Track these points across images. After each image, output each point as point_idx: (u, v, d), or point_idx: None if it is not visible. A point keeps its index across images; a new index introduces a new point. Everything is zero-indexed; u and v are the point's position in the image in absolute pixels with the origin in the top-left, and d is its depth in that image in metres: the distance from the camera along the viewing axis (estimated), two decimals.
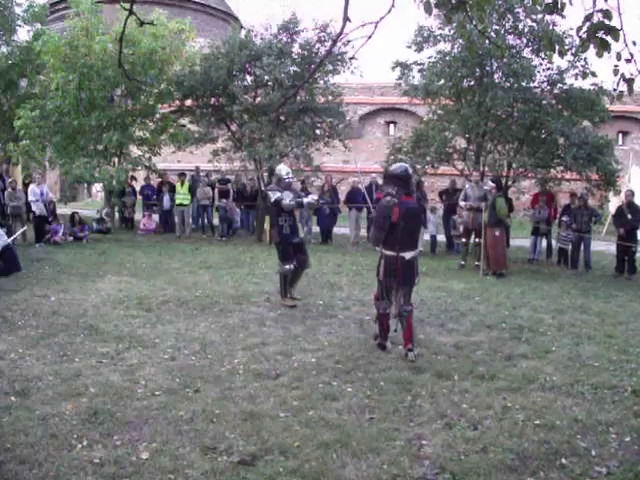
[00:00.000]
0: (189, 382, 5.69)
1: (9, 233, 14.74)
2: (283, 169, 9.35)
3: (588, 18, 3.94)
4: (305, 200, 9.21)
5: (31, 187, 16.38)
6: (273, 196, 8.93)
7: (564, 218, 14.50)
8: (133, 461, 4.16)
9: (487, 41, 12.82)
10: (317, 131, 17.99)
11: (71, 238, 16.04)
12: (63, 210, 19.90)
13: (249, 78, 17.74)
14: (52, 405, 5.07)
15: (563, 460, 4.28)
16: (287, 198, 8.94)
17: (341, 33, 4.34)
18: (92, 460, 4.15)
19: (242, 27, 20.75)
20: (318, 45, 17.20)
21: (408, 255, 6.64)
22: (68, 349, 6.62)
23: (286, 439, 4.50)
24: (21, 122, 17.08)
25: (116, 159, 18.52)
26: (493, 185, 12.73)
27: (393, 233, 6.60)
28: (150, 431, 4.62)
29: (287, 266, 8.93)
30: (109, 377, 5.78)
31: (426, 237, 16.20)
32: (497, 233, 12.43)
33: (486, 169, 15.55)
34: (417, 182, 16.38)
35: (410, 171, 6.91)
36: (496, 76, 15.07)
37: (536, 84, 14.90)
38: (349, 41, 13.16)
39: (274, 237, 9.24)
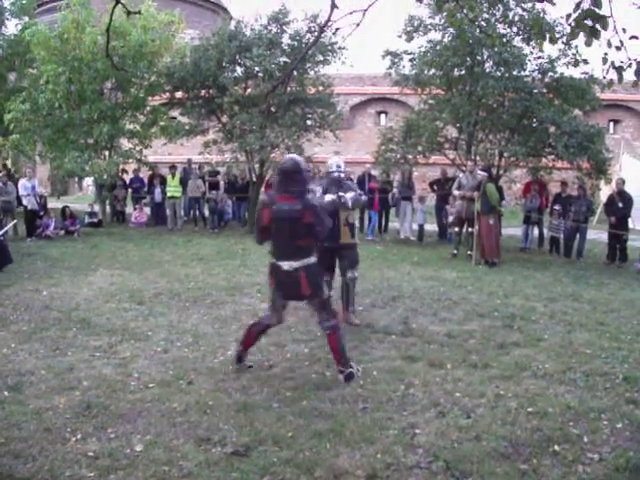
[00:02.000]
0: (182, 374, 5.69)
1: (0, 227, 14.71)
2: (331, 160, 8.02)
3: (578, 6, 3.93)
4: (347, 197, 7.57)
5: (22, 181, 16.29)
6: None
7: (555, 207, 14.55)
8: (127, 453, 4.17)
9: (478, 30, 12.81)
10: (308, 122, 17.95)
11: (62, 232, 15.99)
12: (54, 204, 19.83)
13: (239, 69, 17.67)
14: (45, 399, 5.06)
15: (556, 447, 4.30)
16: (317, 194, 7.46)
17: (329, 20, 4.34)
18: (86, 453, 4.15)
19: (232, 18, 20.67)
20: (308, 35, 17.14)
21: (286, 265, 5.58)
22: (61, 343, 6.61)
23: (280, 429, 4.50)
24: (11, 115, 16.99)
25: (107, 152, 18.45)
26: (485, 174, 12.74)
27: (272, 237, 5.73)
28: (144, 423, 4.62)
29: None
30: (102, 370, 5.78)
31: (414, 226, 16.27)
32: (491, 222, 12.45)
33: (478, 158, 15.56)
34: (405, 172, 16.47)
35: (301, 166, 5.66)
36: (487, 65, 15.07)
37: (527, 73, 14.90)
38: (337, 29, 13.07)
39: None
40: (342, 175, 7.82)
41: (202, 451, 4.21)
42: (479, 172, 13.04)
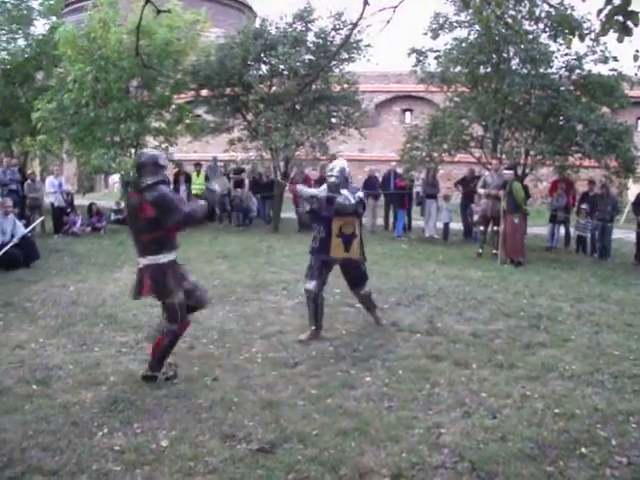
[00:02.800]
0: (208, 371, 5.72)
1: (28, 224, 14.90)
2: (331, 164, 7.56)
3: (609, 1, 3.87)
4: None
5: (49, 179, 16.50)
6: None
7: (583, 206, 14.39)
8: (153, 448, 4.20)
9: (504, 27, 12.71)
10: (333, 120, 17.96)
11: (89, 229, 16.15)
12: (81, 201, 20.01)
13: (264, 67, 17.72)
14: (73, 393, 5.13)
15: (583, 449, 4.24)
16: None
17: (361, 16, 4.34)
18: (113, 447, 4.19)
19: (256, 16, 20.73)
20: (333, 33, 17.14)
21: (140, 262, 5.41)
22: (88, 338, 6.68)
23: (305, 427, 4.51)
24: (39, 114, 17.17)
25: (133, 150, 18.59)
26: (511, 172, 12.63)
27: None
28: (170, 419, 4.65)
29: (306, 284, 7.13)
30: (128, 366, 5.83)
31: (439, 225, 16.20)
32: (516, 221, 12.35)
33: (503, 157, 15.44)
34: (429, 170, 16.41)
35: (149, 160, 5.44)
36: (513, 62, 14.93)
37: (554, 70, 14.75)
38: (368, 25, 13.05)
39: None
40: (337, 180, 6.90)
41: (227, 447, 4.23)
42: (505, 171, 12.94)
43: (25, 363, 5.87)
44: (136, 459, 4.05)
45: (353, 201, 6.84)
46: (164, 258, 5.36)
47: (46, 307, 8.01)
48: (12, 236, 10.73)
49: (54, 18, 20.98)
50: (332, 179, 6.96)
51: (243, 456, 4.10)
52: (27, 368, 5.73)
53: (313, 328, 6.90)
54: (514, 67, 14.83)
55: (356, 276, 7.24)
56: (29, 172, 17.58)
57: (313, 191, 7.25)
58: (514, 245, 12.35)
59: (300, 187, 7.49)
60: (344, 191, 6.86)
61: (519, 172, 15.41)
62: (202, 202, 5.63)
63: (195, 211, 5.48)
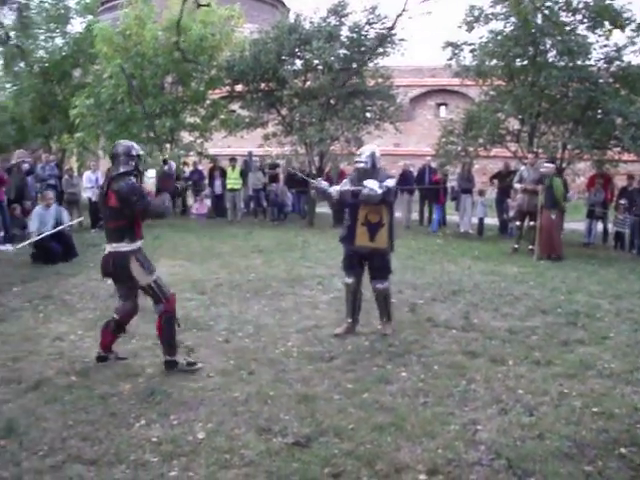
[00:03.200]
0: (243, 364, 5.75)
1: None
2: (360, 149, 7.46)
3: None
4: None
5: (86, 174, 16.74)
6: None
7: (621, 201, 14.15)
8: (190, 440, 4.23)
9: (541, 18, 12.55)
10: (367, 114, 17.91)
11: None
12: None
13: (299, 62, 17.75)
14: (111, 385, 5.20)
15: (622, 449, 4.17)
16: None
17: (404, 9, 4.32)
18: (150, 439, 4.24)
19: (289, 11, 20.77)
20: (367, 27, 17.09)
21: (106, 248, 5.61)
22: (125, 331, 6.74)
23: (341, 421, 4.51)
24: (77, 110, 17.40)
25: (168, 145, 18.75)
26: (552, 166, 12.47)
27: None
28: (206, 412, 4.69)
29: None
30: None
31: (474, 220, 16.07)
32: (553, 216, 12.20)
33: (540, 151, 15.25)
34: (465, 164, 16.28)
35: (119, 150, 5.57)
36: (550, 55, 14.75)
37: (592, 62, 14.52)
38: (409, 18, 13.02)
39: None
40: (366, 165, 6.70)
41: (263, 441, 4.24)
42: (545, 164, 12.78)
43: (64, 355, 5.97)
44: (173, 450, 4.09)
45: (379, 191, 6.47)
46: (126, 247, 5.50)
47: (84, 300, 8.13)
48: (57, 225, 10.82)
49: (90, 16, 21.24)
50: (360, 164, 6.75)
51: (279, 449, 4.11)
52: (66, 359, 5.83)
53: (350, 321, 6.89)
54: (551, 59, 14.65)
55: (378, 267, 6.86)
56: (67, 168, 17.83)
57: (333, 189, 6.86)
58: (550, 241, 12.19)
59: (318, 183, 7.13)
60: (369, 182, 6.53)
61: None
62: (164, 194, 5.72)
63: (157, 203, 5.63)
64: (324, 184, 7.01)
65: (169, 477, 3.77)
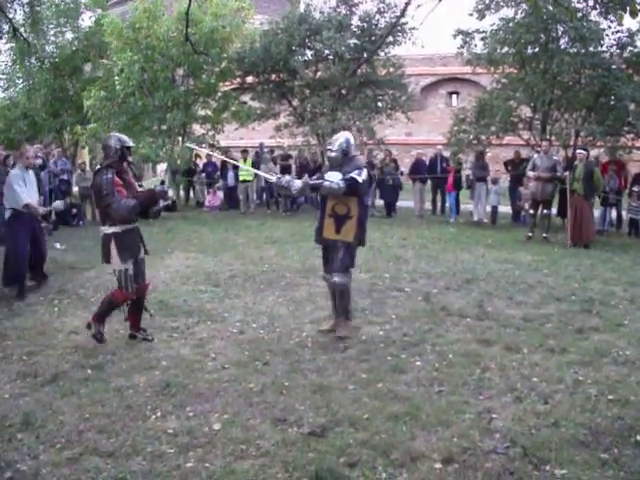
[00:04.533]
0: (258, 355, 5.77)
1: (79, 213, 15.25)
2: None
3: None
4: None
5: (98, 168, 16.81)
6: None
7: (635, 188, 14.03)
8: (206, 432, 4.26)
9: (552, 5, 12.44)
10: (379, 104, 17.88)
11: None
12: None
13: (309, 52, 17.72)
14: (126, 377, 5.23)
15: (638, 437, 4.15)
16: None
17: (409, 2, 4.29)
18: (166, 430, 4.27)
19: (299, 2, 20.73)
20: (377, 17, 17.03)
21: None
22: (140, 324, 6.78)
23: (355, 411, 4.52)
24: (90, 102, 17.45)
25: (180, 138, 18.79)
26: (585, 153, 12.44)
27: None
28: (221, 403, 4.72)
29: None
30: (180, 351, 5.92)
31: (487, 208, 16.01)
32: (590, 205, 12.32)
33: (553, 138, 15.14)
34: (479, 152, 16.20)
35: (104, 142, 6.10)
36: (562, 41, 14.65)
37: (604, 48, 14.41)
38: (419, 6, 12.99)
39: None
40: (336, 154, 6.35)
41: (279, 431, 4.27)
42: (579, 151, 12.73)
43: (80, 348, 6.00)
44: (189, 442, 4.12)
45: (342, 184, 6.12)
46: (107, 229, 5.96)
47: (99, 294, 8.14)
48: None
49: (100, 10, 21.29)
50: (332, 154, 6.41)
51: (294, 440, 4.13)
52: (82, 353, 5.87)
53: (335, 317, 6.61)
54: (563, 46, 14.55)
55: (336, 260, 6.36)
56: (79, 162, 17.94)
57: (295, 183, 6.39)
58: (588, 229, 12.20)
59: (278, 180, 6.59)
60: (331, 174, 6.32)
61: (569, 154, 15.13)
62: (134, 201, 5.94)
63: (122, 205, 5.84)
64: (285, 180, 6.50)
65: (185, 468, 3.80)
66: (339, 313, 6.52)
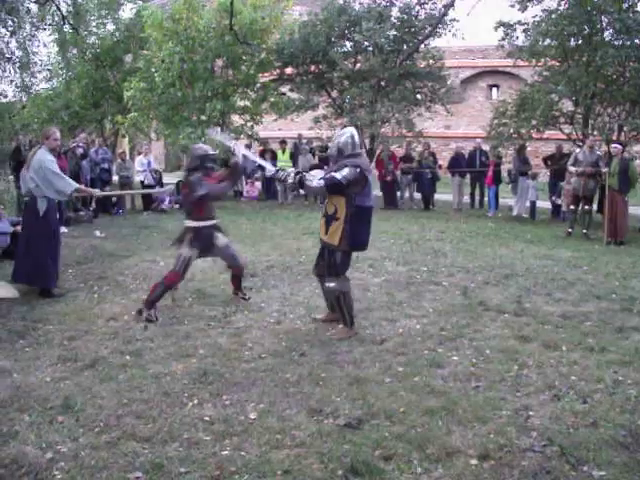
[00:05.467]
0: (295, 346, 5.78)
1: (119, 202, 15.45)
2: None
3: None
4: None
5: (138, 158, 17.02)
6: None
7: None
8: (242, 420, 4.29)
9: None
10: (418, 96, 17.77)
11: (177, 206, 16.53)
12: (169, 179, 20.52)
13: (348, 44, 17.66)
14: (164, 365, 5.28)
15: None
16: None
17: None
18: (202, 418, 4.31)
19: None
20: (417, 8, 16.91)
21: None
22: (177, 312, 6.86)
23: (392, 404, 4.51)
24: (131, 93, 17.65)
25: (219, 128, 18.88)
26: (620, 147, 12.23)
27: None
28: (258, 392, 4.74)
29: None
30: (217, 339, 5.96)
31: (527, 203, 15.84)
32: (626, 200, 12.15)
33: (595, 133, 14.89)
34: (520, 146, 16.00)
35: (192, 152, 7.18)
36: (606, 33, 14.39)
37: None
38: None
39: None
40: (331, 152, 6.34)
41: (314, 422, 4.28)
42: (613, 145, 12.52)
43: (119, 334, 6.08)
44: (225, 430, 4.15)
45: (321, 183, 5.95)
46: (190, 223, 6.86)
47: (137, 281, 8.27)
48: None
49: (140, 2, 21.50)
50: (330, 150, 6.46)
51: (330, 431, 4.13)
52: (121, 339, 5.95)
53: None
54: (607, 38, 14.30)
55: (326, 263, 6.25)
56: (119, 152, 18.16)
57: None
58: (622, 225, 12.02)
59: (275, 173, 6.56)
60: (314, 172, 6.39)
61: (611, 149, 14.86)
62: (223, 183, 6.99)
63: (216, 189, 6.88)
64: (282, 173, 6.33)
65: (221, 456, 3.82)
66: (337, 315, 6.32)
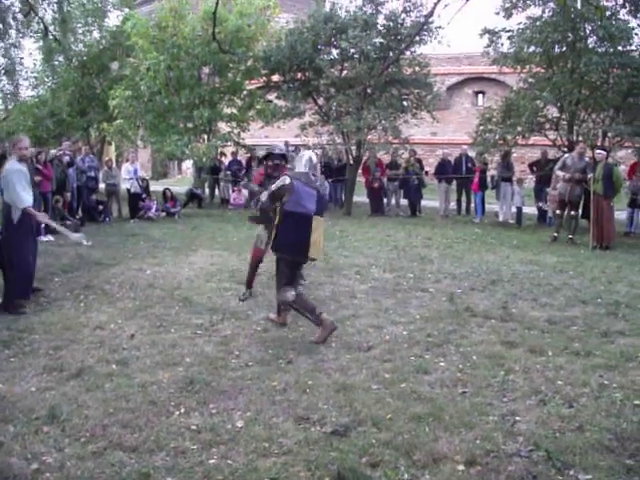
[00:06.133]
0: (282, 353, 5.77)
1: (105, 210, 15.40)
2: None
3: None
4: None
5: (125, 166, 16.99)
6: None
7: None
8: (229, 429, 4.27)
9: (580, 3, 12.34)
10: (404, 103, 17.83)
11: (164, 214, 16.51)
12: (155, 187, 20.48)
13: (335, 51, 17.72)
14: (150, 373, 5.25)
15: None
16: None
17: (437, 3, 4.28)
18: (189, 427, 4.28)
19: (325, 0, 20.74)
20: (403, 15, 16.98)
21: None
22: (164, 320, 6.83)
23: (378, 411, 4.51)
24: (116, 101, 17.64)
25: (206, 136, 18.90)
26: (604, 153, 12.32)
27: None
28: (244, 400, 4.72)
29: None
30: (204, 348, 5.94)
31: (513, 209, 15.93)
32: (611, 205, 12.23)
33: (580, 139, 15.00)
34: (505, 152, 16.11)
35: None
36: (590, 40, 14.54)
37: (634, 47, 14.25)
38: (446, 5, 13.02)
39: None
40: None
41: (301, 429, 4.27)
42: (597, 151, 12.60)
43: (105, 343, 6.05)
44: (212, 438, 4.13)
45: (263, 198, 6.42)
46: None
47: (124, 290, 8.24)
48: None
49: (127, 10, 21.50)
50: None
51: (317, 438, 4.13)
52: (107, 348, 5.91)
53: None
54: (591, 45, 14.44)
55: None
56: (106, 159, 18.12)
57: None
58: (609, 230, 12.10)
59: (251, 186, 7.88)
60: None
61: (596, 155, 14.97)
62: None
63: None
64: (250, 186, 7.61)
65: (208, 465, 3.81)
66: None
